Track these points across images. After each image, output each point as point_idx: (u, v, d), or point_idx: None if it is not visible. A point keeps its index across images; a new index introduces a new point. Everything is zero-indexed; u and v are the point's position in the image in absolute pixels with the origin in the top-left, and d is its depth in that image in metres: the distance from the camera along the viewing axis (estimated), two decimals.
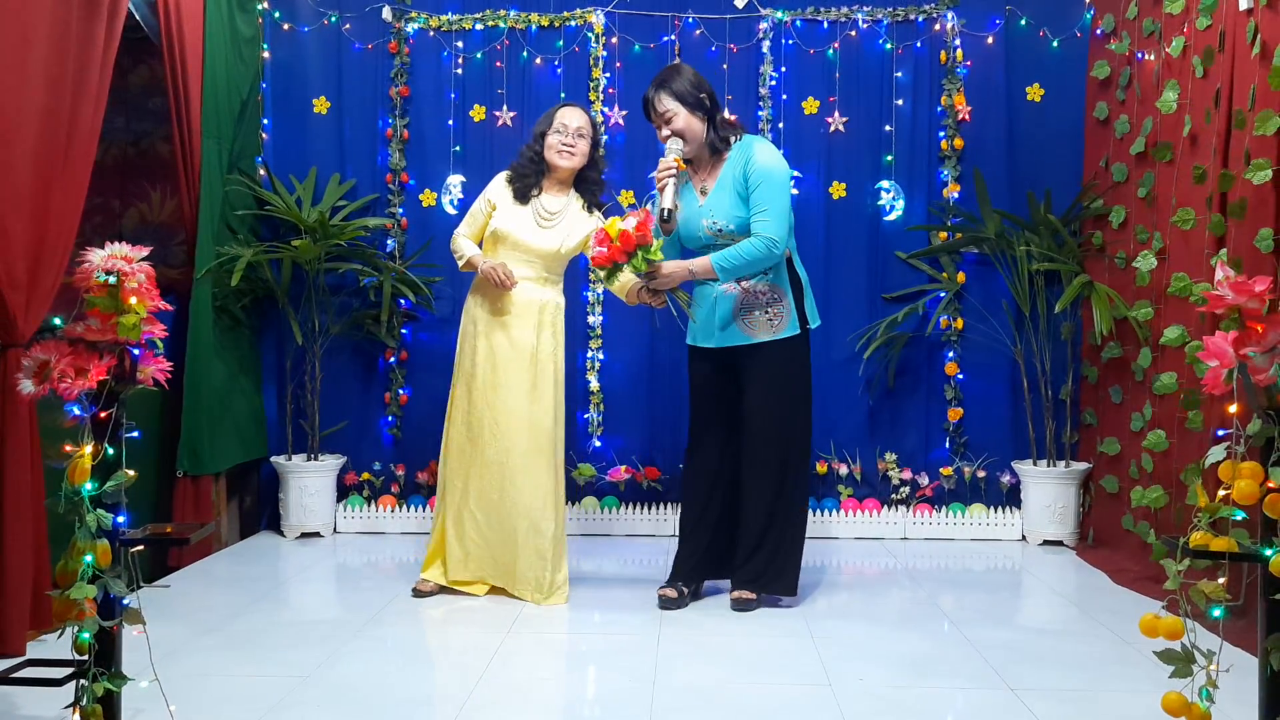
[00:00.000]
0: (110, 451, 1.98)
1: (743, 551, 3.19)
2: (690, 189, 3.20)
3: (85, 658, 1.95)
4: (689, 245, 3.20)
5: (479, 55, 4.45)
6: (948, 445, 4.40)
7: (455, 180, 4.46)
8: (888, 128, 4.40)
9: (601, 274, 3.03)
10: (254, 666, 2.64)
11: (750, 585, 3.17)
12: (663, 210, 2.94)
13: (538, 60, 4.44)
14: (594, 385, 4.40)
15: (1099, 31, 4.23)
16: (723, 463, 3.24)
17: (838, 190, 4.41)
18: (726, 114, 3.37)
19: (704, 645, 2.85)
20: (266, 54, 4.43)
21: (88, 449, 1.95)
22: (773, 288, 3.12)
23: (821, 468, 4.40)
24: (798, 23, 4.42)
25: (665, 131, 3.08)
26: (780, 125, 4.40)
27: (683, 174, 3.16)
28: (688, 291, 3.21)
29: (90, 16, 2.94)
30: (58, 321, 2.16)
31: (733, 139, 3.15)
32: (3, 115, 2.63)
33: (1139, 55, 3.89)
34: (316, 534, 4.24)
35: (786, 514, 3.17)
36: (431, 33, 4.45)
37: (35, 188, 2.75)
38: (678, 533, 3.37)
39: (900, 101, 4.40)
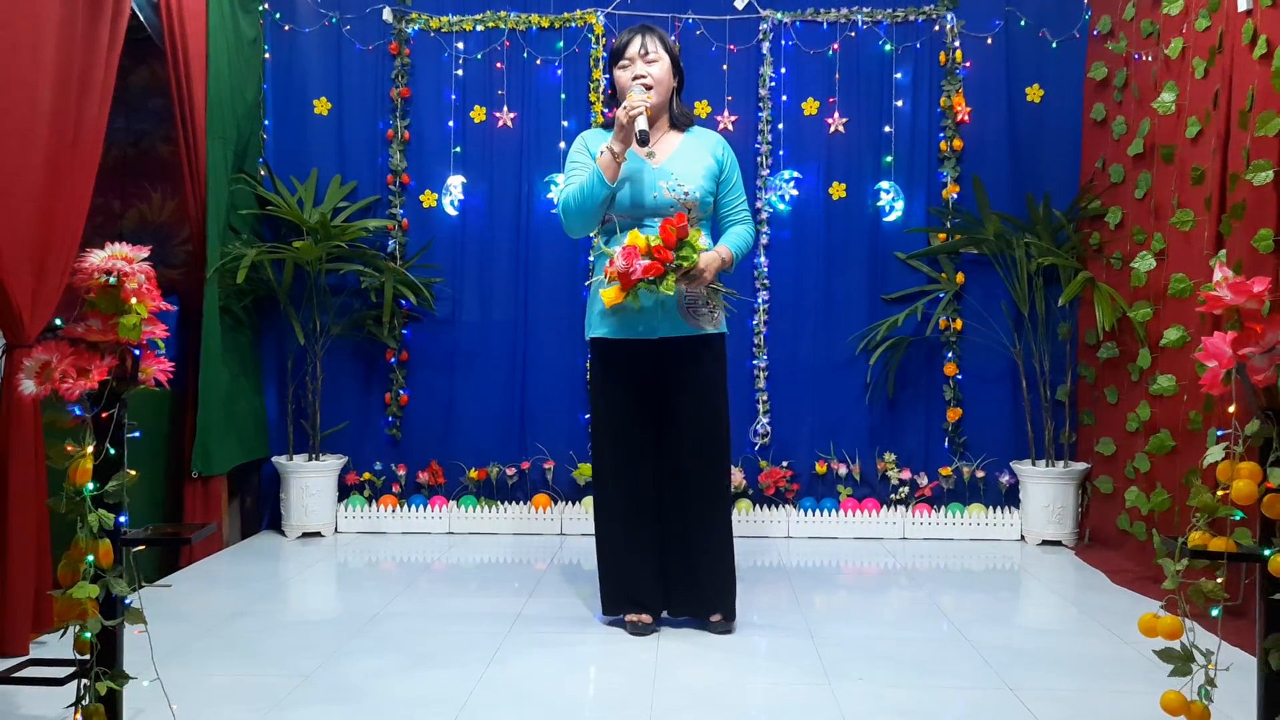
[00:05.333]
0: (112, 451, 1.99)
1: (704, 576, 2.94)
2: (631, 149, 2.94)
3: (87, 657, 1.96)
4: (632, 203, 2.91)
5: (479, 56, 4.46)
6: (947, 445, 4.40)
7: (456, 181, 4.47)
8: (887, 129, 4.41)
9: (651, 287, 2.72)
10: (255, 666, 2.65)
11: (721, 610, 2.97)
12: (641, 132, 2.78)
13: (538, 61, 4.45)
14: None
15: (1095, 32, 4.23)
16: (647, 474, 2.96)
17: (837, 191, 4.41)
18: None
19: (704, 645, 2.85)
20: (267, 55, 4.43)
21: (89, 449, 1.96)
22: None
23: (821, 468, 4.40)
24: (797, 24, 4.43)
25: (639, 69, 2.92)
26: (780, 126, 4.41)
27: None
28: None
29: (94, 17, 2.95)
30: (59, 322, 2.17)
31: (692, 121, 3.07)
32: (18, 117, 2.65)
33: (1136, 56, 3.90)
34: (318, 534, 4.25)
35: (728, 528, 2.98)
36: (432, 34, 4.46)
37: (44, 188, 2.76)
38: (609, 555, 2.98)
39: (900, 102, 4.40)
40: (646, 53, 2.94)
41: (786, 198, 4.41)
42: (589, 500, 4.37)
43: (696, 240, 2.76)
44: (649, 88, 2.91)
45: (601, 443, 2.99)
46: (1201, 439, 3.23)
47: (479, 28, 4.45)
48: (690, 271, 2.76)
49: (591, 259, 3.04)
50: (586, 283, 3.01)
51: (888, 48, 4.41)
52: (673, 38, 3.03)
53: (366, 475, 4.45)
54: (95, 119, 2.99)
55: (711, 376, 2.95)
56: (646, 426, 2.96)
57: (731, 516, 3.08)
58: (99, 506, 1.96)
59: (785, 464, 4.40)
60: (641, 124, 2.79)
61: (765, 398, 4.40)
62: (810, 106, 4.41)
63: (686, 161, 2.95)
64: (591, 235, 3.07)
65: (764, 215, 4.39)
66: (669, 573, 2.98)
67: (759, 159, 4.38)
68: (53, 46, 2.76)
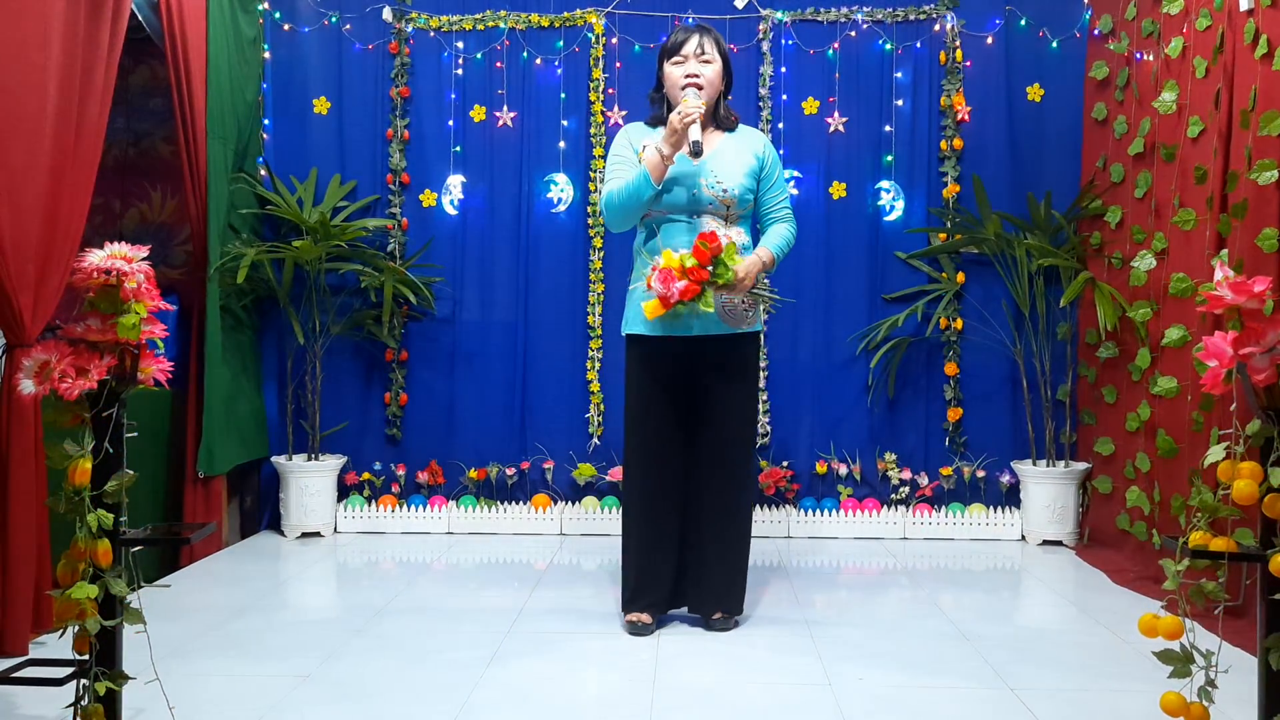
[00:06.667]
0: (111, 451, 1.98)
1: (716, 569, 2.97)
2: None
3: (86, 657, 1.96)
4: (670, 200, 2.92)
5: (479, 56, 4.46)
6: (947, 445, 4.40)
7: (455, 180, 4.46)
8: (888, 128, 4.40)
9: (694, 305, 2.77)
10: (254, 666, 2.65)
11: (727, 606, 3.00)
12: (695, 143, 2.79)
13: (538, 61, 4.45)
14: (594, 385, 4.41)
15: (1096, 32, 4.23)
16: (677, 468, 2.99)
17: (838, 190, 4.41)
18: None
19: (704, 645, 2.85)
20: (267, 54, 4.43)
21: (89, 449, 1.95)
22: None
23: (821, 468, 4.40)
24: (797, 23, 4.42)
25: (692, 68, 2.93)
26: (780, 125, 4.40)
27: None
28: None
29: (95, 17, 2.95)
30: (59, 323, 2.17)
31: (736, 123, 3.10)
32: (27, 117, 2.65)
33: (1138, 55, 3.90)
34: (317, 534, 4.25)
35: (748, 524, 3.03)
36: (432, 33, 4.46)
37: (47, 188, 2.76)
38: (636, 548, 2.98)
39: (900, 102, 4.40)
40: (703, 52, 2.95)
41: None
42: (589, 500, 4.37)
43: (732, 256, 2.77)
44: (700, 88, 2.90)
45: (631, 438, 3.00)
46: (1203, 439, 3.23)
47: (478, 27, 4.45)
48: (732, 284, 2.80)
49: (637, 248, 3.05)
50: (631, 283, 3.04)
51: (888, 47, 4.40)
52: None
53: (366, 475, 4.44)
54: (96, 119, 2.99)
55: (742, 375, 2.97)
56: (676, 423, 2.98)
57: (751, 516, 3.09)
58: (98, 506, 1.96)
59: (785, 464, 4.40)
60: (695, 133, 2.78)
61: (765, 397, 4.40)
62: (810, 106, 4.41)
63: (726, 160, 2.96)
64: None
65: None
66: (684, 566, 3.02)
67: None
68: (57, 47, 2.77)
